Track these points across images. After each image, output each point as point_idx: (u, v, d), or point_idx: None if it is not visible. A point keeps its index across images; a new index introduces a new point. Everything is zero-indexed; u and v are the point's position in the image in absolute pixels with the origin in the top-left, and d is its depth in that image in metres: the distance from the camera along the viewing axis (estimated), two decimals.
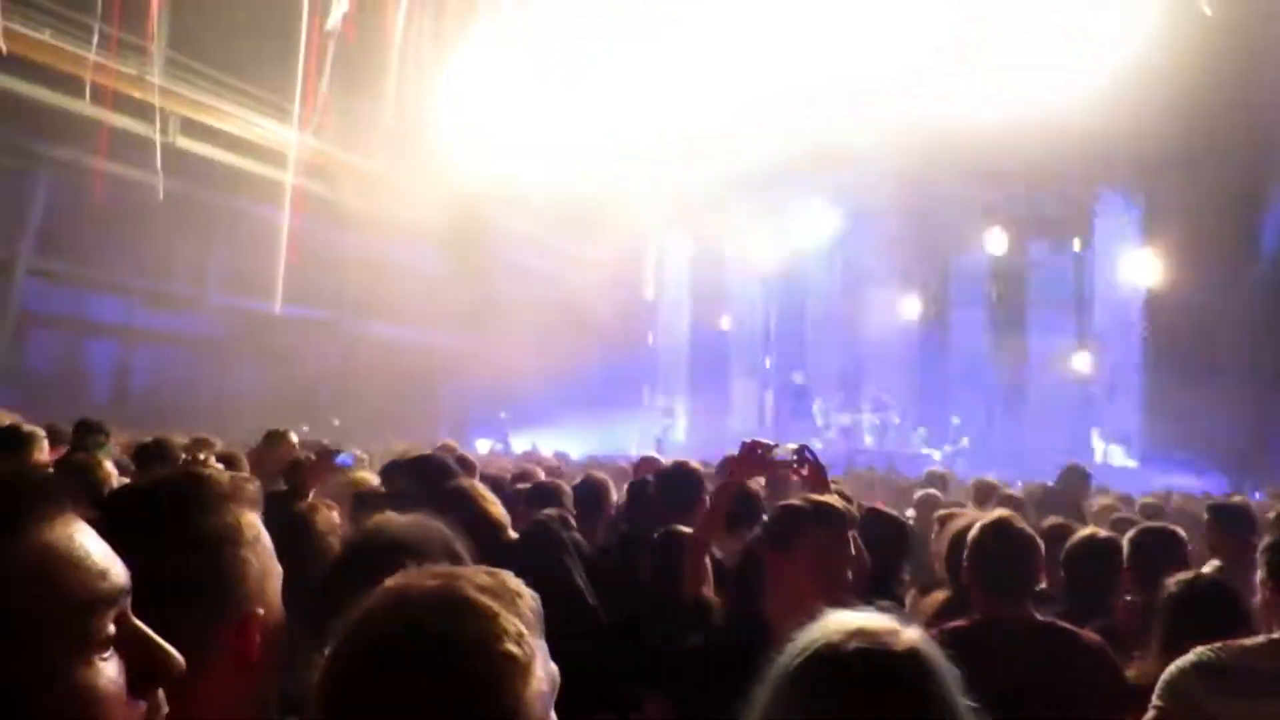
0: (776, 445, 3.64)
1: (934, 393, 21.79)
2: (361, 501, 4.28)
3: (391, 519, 1.89)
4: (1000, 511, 3.47)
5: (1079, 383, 20.08)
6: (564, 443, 15.92)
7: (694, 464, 4.23)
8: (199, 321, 16.96)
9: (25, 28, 12.03)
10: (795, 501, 2.66)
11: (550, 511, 3.78)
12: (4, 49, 11.38)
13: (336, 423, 16.48)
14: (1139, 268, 18.64)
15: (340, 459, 4.16)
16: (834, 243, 22.09)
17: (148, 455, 4.74)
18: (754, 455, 3.64)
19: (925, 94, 13.53)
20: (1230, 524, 4.93)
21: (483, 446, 18.72)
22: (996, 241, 20.34)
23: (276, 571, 1.35)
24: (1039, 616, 3.09)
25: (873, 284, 22.34)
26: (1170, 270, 17.42)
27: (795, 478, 4.27)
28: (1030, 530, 3.28)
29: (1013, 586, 3.10)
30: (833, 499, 2.84)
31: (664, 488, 4.10)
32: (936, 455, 19.87)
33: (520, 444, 18.83)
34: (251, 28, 11.73)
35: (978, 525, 3.27)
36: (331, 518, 3.96)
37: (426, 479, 3.85)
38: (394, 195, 17.07)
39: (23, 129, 13.41)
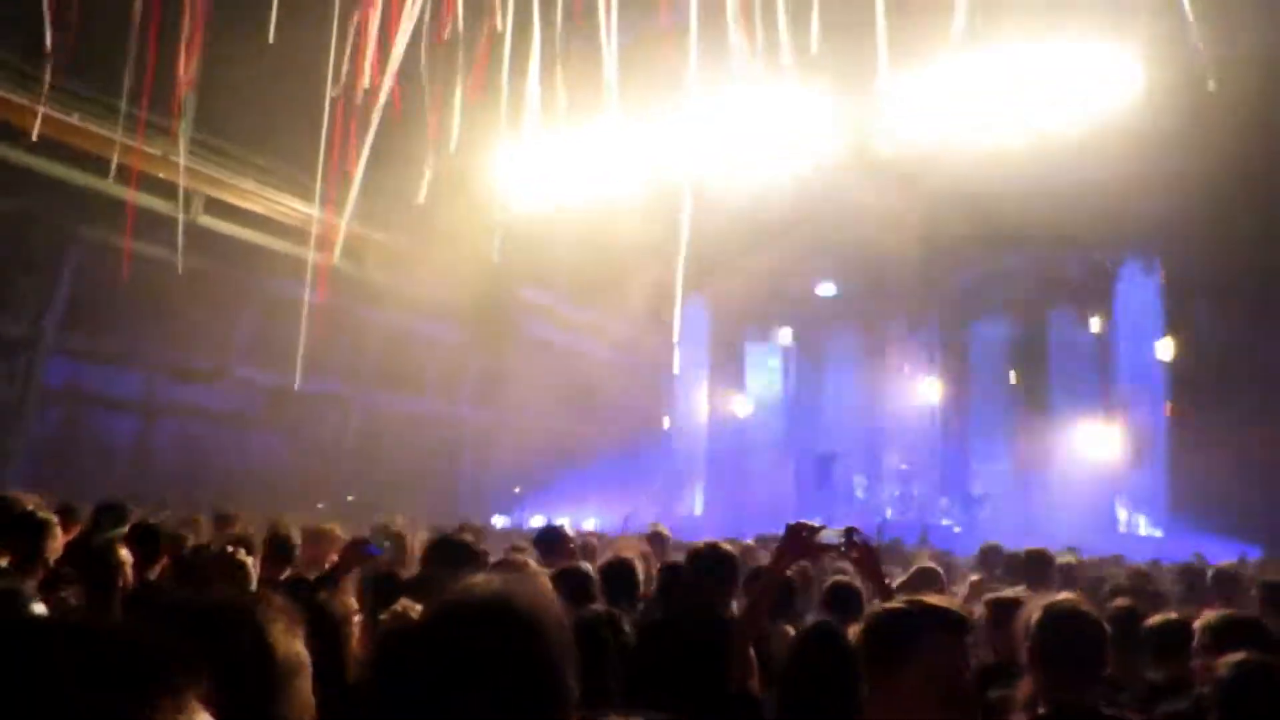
0: (823, 527, 3.43)
1: (955, 462, 21.51)
2: (380, 587, 4.10)
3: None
4: (1065, 595, 3.25)
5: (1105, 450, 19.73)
6: (581, 521, 15.69)
7: (724, 545, 4.01)
8: (220, 395, 16.92)
9: (56, 111, 12.23)
10: (900, 605, 2.34)
11: (597, 608, 3.54)
12: (36, 132, 11.56)
13: (351, 498, 16.31)
14: (1160, 336, 18.46)
15: (370, 548, 3.97)
16: (851, 310, 22.10)
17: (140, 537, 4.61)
18: (799, 539, 3.43)
19: (944, 160, 13.52)
20: None
21: (498, 523, 18.49)
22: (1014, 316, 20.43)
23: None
24: (1105, 709, 2.87)
25: (892, 353, 22.27)
26: (1191, 337, 17.22)
27: (842, 560, 4.08)
28: (1095, 614, 3.07)
29: (1079, 675, 2.88)
30: (947, 600, 2.60)
31: (698, 569, 3.89)
32: (957, 528, 19.55)
33: (536, 520, 18.58)
34: (277, 105, 11.85)
35: (1041, 608, 3.06)
36: (349, 603, 3.78)
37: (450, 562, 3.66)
38: (417, 270, 17.14)
39: (51, 208, 13.57)
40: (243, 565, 4.06)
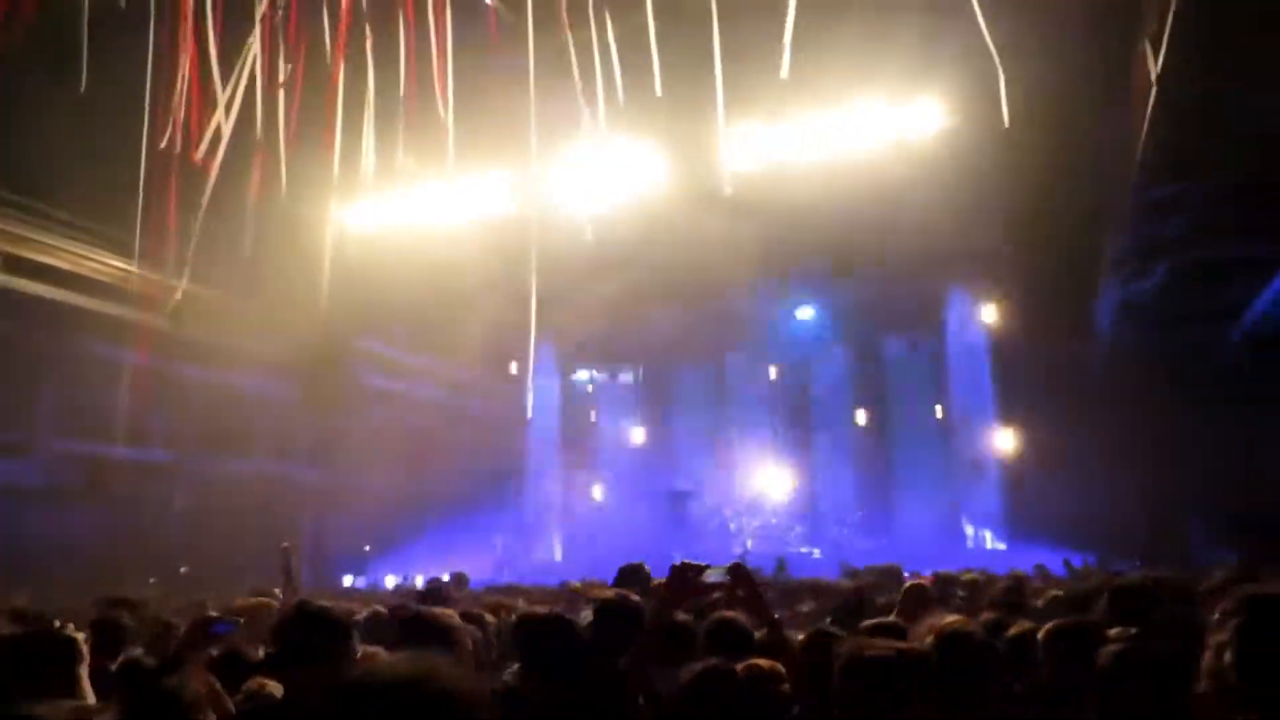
0: (708, 566, 3.41)
1: (803, 489, 22.14)
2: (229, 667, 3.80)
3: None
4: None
5: (945, 469, 20.74)
6: (436, 572, 15.23)
7: (632, 596, 3.89)
8: (31, 470, 15.63)
9: None
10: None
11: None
12: None
13: (184, 570, 15.34)
14: (986, 357, 19.66)
15: (219, 626, 3.67)
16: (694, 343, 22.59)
17: None
18: (684, 580, 3.40)
19: (780, 193, 14.04)
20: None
21: (347, 583, 17.81)
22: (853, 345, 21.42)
23: None
24: None
25: (737, 386, 22.90)
26: (1017, 356, 18.37)
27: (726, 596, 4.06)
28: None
29: None
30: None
31: (607, 625, 3.75)
32: (816, 553, 20.09)
33: (390, 580, 17.97)
34: (88, 156, 11.11)
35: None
36: (200, 687, 3.49)
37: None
38: (243, 326, 16.42)
39: None
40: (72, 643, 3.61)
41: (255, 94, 9.81)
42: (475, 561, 17.21)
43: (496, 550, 20.44)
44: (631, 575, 5.37)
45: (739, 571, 3.38)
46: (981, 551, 18.58)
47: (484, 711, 1.39)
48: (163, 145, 9.45)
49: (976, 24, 9.37)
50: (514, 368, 22.31)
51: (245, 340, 17.02)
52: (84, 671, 3.43)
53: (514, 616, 4.42)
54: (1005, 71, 10.34)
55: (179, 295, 12.94)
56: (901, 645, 3.03)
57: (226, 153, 9.74)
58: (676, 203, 14.69)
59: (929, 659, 3.03)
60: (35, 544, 14.43)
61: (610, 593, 4.03)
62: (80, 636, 3.56)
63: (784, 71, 10.07)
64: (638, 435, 24.01)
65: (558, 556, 22.32)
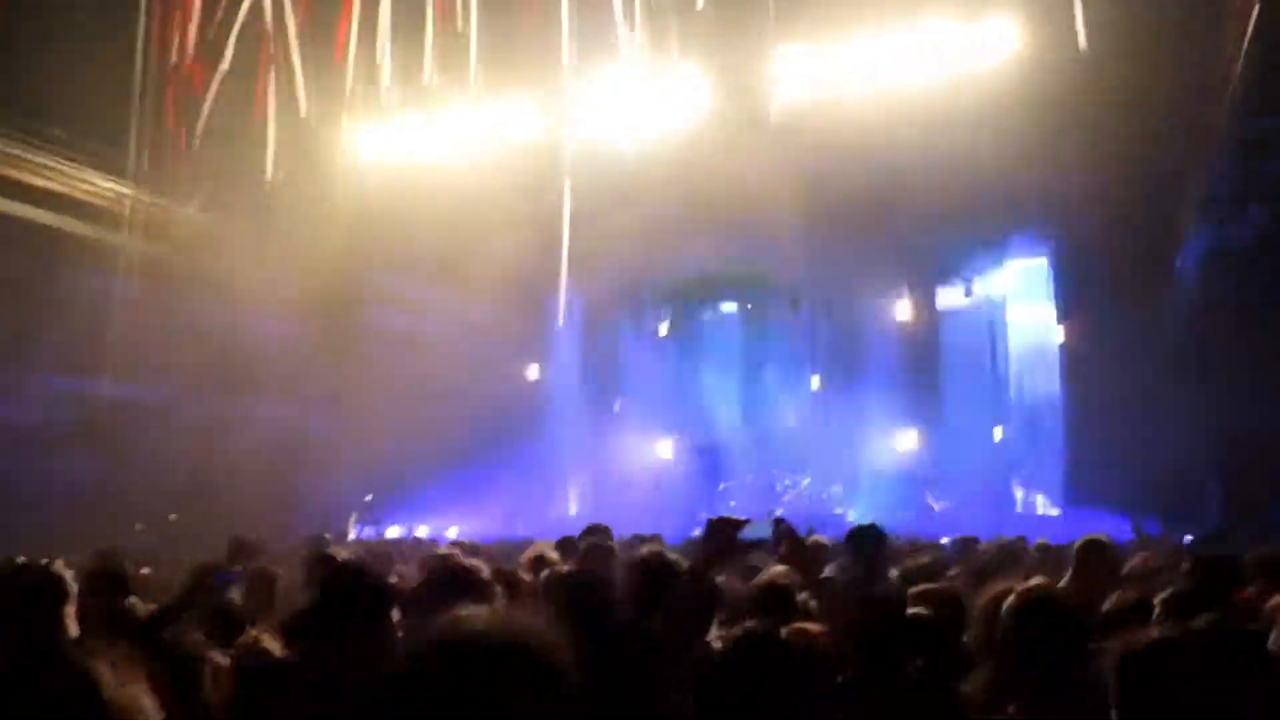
0: (748, 521, 3.37)
1: (844, 445, 22.06)
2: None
3: None
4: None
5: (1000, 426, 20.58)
6: (447, 527, 15.42)
7: (669, 555, 3.86)
8: (18, 409, 15.85)
9: None
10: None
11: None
12: None
13: (173, 517, 15.58)
14: (1052, 311, 19.34)
15: (222, 575, 3.69)
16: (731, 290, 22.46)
17: None
18: (723, 536, 3.36)
19: (829, 128, 13.85)
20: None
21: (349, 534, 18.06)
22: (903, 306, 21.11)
23: None
24: None
25: (775, 336, 22.76)
26: (1084, 311, 18.08)
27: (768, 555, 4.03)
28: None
29: None
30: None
31: (643, 585, 3.70)
32: (852, 515, 20.08)
33: (393, 531, 18.20)
34: (78, 71, 11.06)
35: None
36: (198, 640, 3.52)
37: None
38: (250, 256, 16.47)
39: None
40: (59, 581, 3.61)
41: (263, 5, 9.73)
42: (485, 514, 17.37)
43: (503, 503, 20.57)
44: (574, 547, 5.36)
45: (781, 528, 3.35)
46: (1033, 517, 18.48)
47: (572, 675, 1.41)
48: (162, 58, 9.40)
49: None
50: (539, 307, 22.31)
51: (251, 273, 17.07)
52: (70, 611, 3.46)
53: (543, 575, 4.44)
54: None
55: (179, 222, 13.02)
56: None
57: (232, 66, 9.66)
58: (719, 132, 14.51)
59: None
60: (28, 488, 14.69)
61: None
62: (69, 574, 3.59)
63: None
64: (666, 382, 23.92)
65: (572, 511, 22.41)
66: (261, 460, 17.93)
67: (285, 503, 18.68)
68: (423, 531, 17.86)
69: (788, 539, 3.31)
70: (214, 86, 9.50)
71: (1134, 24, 12.08)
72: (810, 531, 13.35)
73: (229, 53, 9.27)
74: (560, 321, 16.63)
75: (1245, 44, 10.20)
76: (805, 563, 3.35)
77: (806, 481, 21.29)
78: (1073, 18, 10.13)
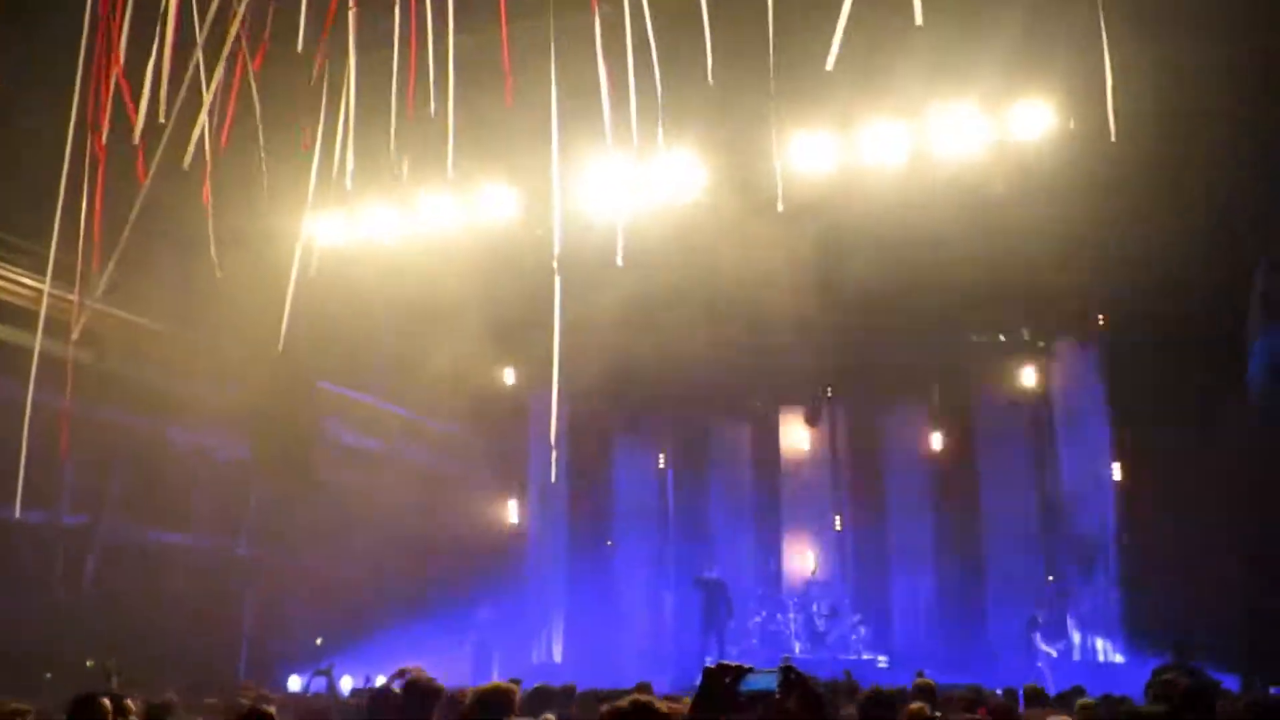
0: (750, 669, 3.28)
1: (871, 581, 21.83)
2: None
3: None
4: None
5: (1047, 559, 20.40)
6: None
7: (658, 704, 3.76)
8: None
9: None
10: None
11: None
12: None
13: (90, 664, 15.21)
14: (1102, 426, 19.34)
15: None
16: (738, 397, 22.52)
17: None
18: (720, 687, 3.26)
19: (845, 211, 14.04)
20: None
21: (294, 685, 17.68)
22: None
23: None
24: None
25: (789, 448, 22.75)
26: (1137, 430, 18.06)
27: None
28: None
29: None
30: None
31: None
32: (883, 660, 19.77)
33: (347, 682, 17.79)
34: None
35: None
36: None
37: None
38: (183, 364, 16.46)
39: None
40: None
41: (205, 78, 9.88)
42: (452, 661, 17.05)
43: (470, 648, 20.30)
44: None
45: (790, 676, 3.24)
46: (1093, 664, 18.19)
47: None
48: (90, 137, 9.51)
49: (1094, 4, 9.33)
50: (518, 422, 22.36)
51: (184, 382, 17.05)
52: None
53: None
54: (1130, 66, 10.26)
55: (102, 323, 13.00)
56: None
57: (167, 149, 9.77)
58: (722, 220, 14.68)
59: None
60: None
61: None
62: None
63: (830, 63, 10.08)
64: (663, 505, 23.77)
65: (558, 657, 22.10)
66: (194, 597, 17.64)
67: (221, 647, 18.32)
68: (381, 680, 17.50)
69: (799, 690, 3.20)
70: (149, 173, 9.58)
71: (1185, 108, 12.35)
72: (847, 675, 13.13)
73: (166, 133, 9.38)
74: (552, 439, 16.54)
75: None
76: (816, 716, 3.24)
77: (827, 619, 20.99)
78: (1118, 94, 10.30)
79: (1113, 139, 9.58)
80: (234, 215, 13.26)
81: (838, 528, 22.31)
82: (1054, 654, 18.52)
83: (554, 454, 17.60)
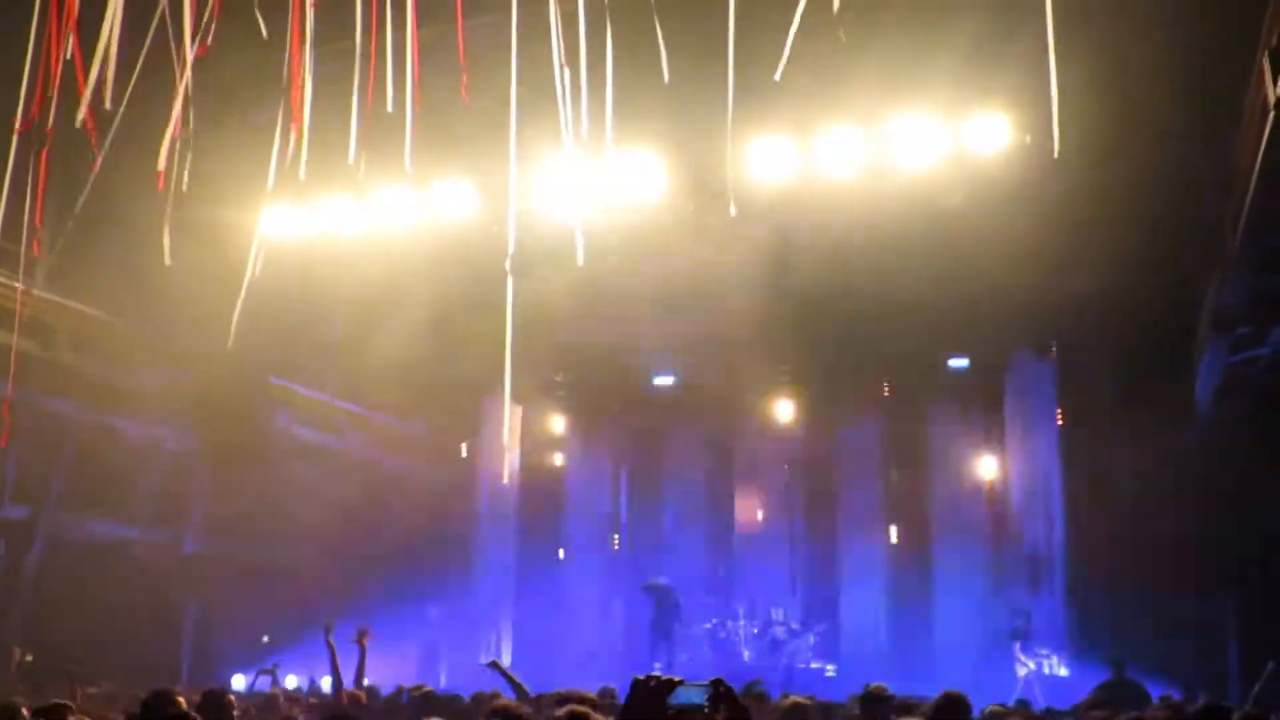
0: (681, 681, 3.20)
1: (820, 592, 21.87)
2: None
3: None
4: None
5: (996, 573, 20.47)
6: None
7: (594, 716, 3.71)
8: None
9: None
10: None
11: None
12: None
13: (30, 658, 14.99)
14: (1052, 438, 19.48)
15: None
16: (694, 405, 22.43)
17: None
18: (649, 699, 3.18)
19: (801, 221, 14.04)
20: None
21: (239, 684, 17.43)
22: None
23: None
24: None
25: (743, 458, 22.72)
26: (1091, 438, 18.20)
27: None
28: None
29: None
30: None
31: None
32: (830, 669, 19.79)
33: (292, 680, 17.58)
34: None
35: None
36: None
37: None
38: (129, 354, 16.22)
39: None
40: None
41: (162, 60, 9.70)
42: (400, 663, 16.90)
43: (417, 650, 20.15)
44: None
45: (719, 691, 3.17)
46: (1040, 677, 18.28)
47: None
48: (37, 118, 9.30)
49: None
50: (472, 423, 22.25)
51: (133, 374, 16.81)
52: None
53: None
54: (1083, 81, 10.32)
55: (45, 311, 12.81)
56: None
57: (119, 132, 9.57)
58: (679, 229, 14.64)
59: None
60: None
61: None
62: None
63: (778, 73, 10.05)
64: (615, 511, 23.73)
65: (506, 659, 21.96)
66: (139, 591, 17.41)
67: (165, 642, 18.10)
68: (327, 682, 17.34)
69: (727, 704, 3.12)
70: (99, 158, 9.35)
71: (1139, 124, 12.44)
72: (785, 696, 13.09)
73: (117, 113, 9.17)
74: (505, 438, 16.48)
75: (1262, 150, 10.49)
76: None
77: (780, 628, 20.94)
78: (1073, 109, 10.32)
79: (1055, 155, 9.65)
80: (186, 206, 13.14)
81: (788, 530, 22.31)
82: (1033, 666, 18.52)
83: (507, 455, 17.46)
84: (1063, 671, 18.49)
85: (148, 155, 10.61)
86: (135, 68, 9.61)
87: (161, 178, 11.12)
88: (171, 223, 11.16)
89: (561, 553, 23.32)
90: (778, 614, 20.95)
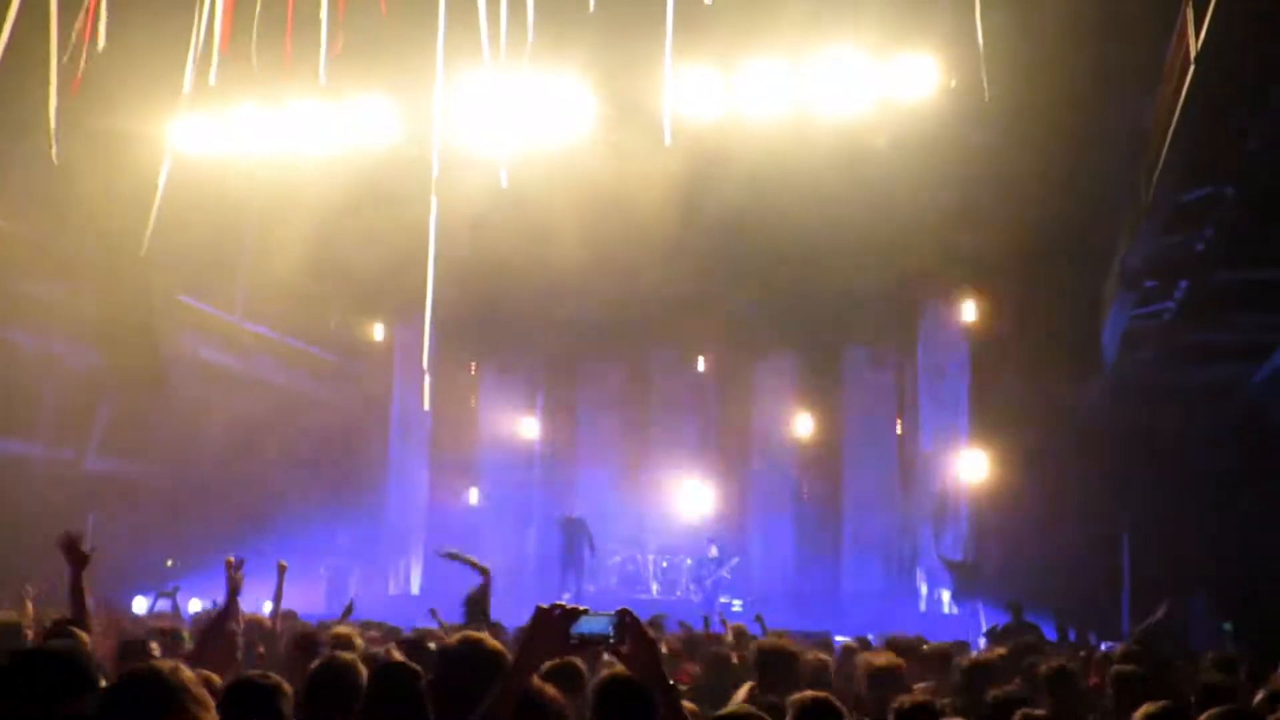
0: (584, 611, 3.12)
1: (731, 520, 22.10)
2: None
3: None
4: None
5: (903, 513, 20.84)
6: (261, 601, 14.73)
7: (490, 642, 3.65)
8: None
9: None
10: None
11: None
12: None
13: None
14: (964, 378, 19.77)
15: None
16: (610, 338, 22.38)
17: None
18: (551, 628, 3.09)
19: (726, 163, 13.92)
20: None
21: (139, 606, 17.13)
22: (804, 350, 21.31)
23: None
24: None
25: (659, 391, 22.77)
26: (999, 387, 18.50)
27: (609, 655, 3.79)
28: None
29: None
30: None
31: (454, 679, 3.51)
32: (737, 605, 20.07)
33: (195, 605, 17.34)
34: None
35: None
36: None
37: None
38: (29, 265, 15.66)
39: None
40: None
41: None
42: (305, 590, 16.75)
43: (324, 576, 20.00)
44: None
45: (624, 621, 3.10)
46: (936, 615, 18.73)
47: None
48: None
49: None
50: (384, 348, 21.98)
51: (33, 286, 16.24)
52: None
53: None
54: (1006, 36, 10.33)
55: None
56: None
57: (15, 31, 9.14)
58: (602, 157, 14.44)
59: None
60: None
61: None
62: None
63: None
64: (530, 441, 23.66)
65: (415, 589, 21.93)
66: (37, 510, 16.96)
67: (62, 564, 17.69)
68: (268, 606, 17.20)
69: (634, 634, 3.06)
70: None
71: (1059, 75, 12.49)
72: (706, 622, 13.21)
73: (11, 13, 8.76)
74: (425, 364, 16.26)
75: (1179, 106, 10.58)
76: (652, 663, 3.11)
77: (734, 562, 21.13)
78: (998, 59, 10.33)
79: (986, 98, 9.65)
80: (93, 113, 12.64)
81: (700, 463, 22.46)
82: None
83: (426, 379, 17.20)
84: (954, 610, 18.95)
85: (45, 59, 10.16)
86: None
87: (77, 84, 10.70)
88: (63, 122, 10.76)
89: (474, 491, 23.23)
90: (717, 551, 21.13)
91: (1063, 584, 15.92)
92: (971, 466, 19.24)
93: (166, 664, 3.06)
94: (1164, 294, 14.55)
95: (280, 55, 11.16)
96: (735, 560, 21.14)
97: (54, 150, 8.76)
